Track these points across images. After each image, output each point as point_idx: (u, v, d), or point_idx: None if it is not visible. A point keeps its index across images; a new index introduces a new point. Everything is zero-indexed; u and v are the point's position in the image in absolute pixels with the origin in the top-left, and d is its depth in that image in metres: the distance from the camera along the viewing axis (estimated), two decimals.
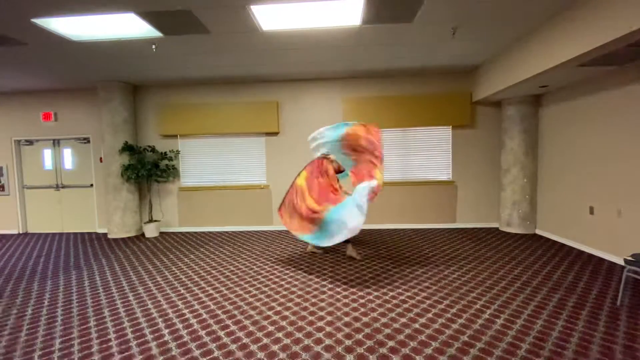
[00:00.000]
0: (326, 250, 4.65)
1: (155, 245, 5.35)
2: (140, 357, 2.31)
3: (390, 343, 2.40)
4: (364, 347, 2.36)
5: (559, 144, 4.87)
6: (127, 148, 5.80)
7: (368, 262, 4.14)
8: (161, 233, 6.19)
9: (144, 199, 6.31)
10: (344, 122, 4.15)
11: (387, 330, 2.56)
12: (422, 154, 5.98)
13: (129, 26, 3.52)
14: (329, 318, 2.78)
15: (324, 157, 4.23)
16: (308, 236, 3.85)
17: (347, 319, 2.76)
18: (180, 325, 2.72)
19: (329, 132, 4.15)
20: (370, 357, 2.24)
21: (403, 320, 2.72)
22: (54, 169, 6.52)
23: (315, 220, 3.75)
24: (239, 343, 2.45)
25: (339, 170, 4.28)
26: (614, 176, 3.97)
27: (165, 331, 2.64)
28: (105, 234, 6.21)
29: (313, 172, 4.14)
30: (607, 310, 2.81)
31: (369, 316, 2.79)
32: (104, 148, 5.88)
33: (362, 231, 5.81)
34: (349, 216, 3.48)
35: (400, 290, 3.29)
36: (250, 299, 3.19)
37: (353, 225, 3.42)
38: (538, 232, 5.42)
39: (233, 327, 2.67)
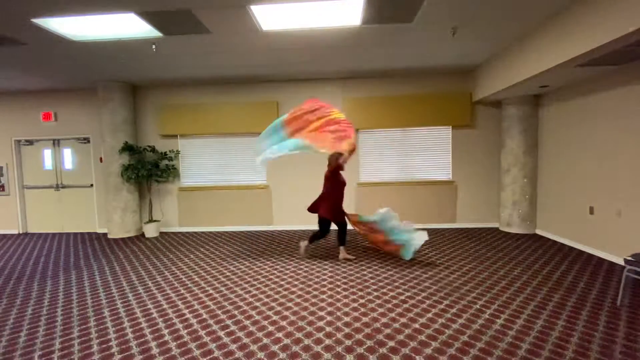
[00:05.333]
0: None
1: (155, 245, 5.35)
2: (140, 357, 2.31)
3: (390, 343, 2.40)
4: (364, 347, 2.36)
5: (559, 143, 4.87)
6: (127, 148, 5.80)
7: (368, 262, 4.13)
8: (161, 233, 6.19)
9: (144, 199, 6.31)
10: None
11: (387, 330, 2.56)
12: (422, 154, 5.98)
13: (129, 26, 3.52)
14: (329, 318, 2.78)
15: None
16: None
17: (347, 319, 2.76)
18: (180, 325, 2.72)
19: (268, 137, 4.20)
20: (370, 357, 2.24)
21: (403, 320, 2.72)
22: (54, 169, 6.52)
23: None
24: (239, 343, 2.45)
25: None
26: (614, 176, 3.97)
27: (165, 331, 2.64)
28: (105, 234, 6.21)
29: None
30: (607, 310, 2.81)
31: (369, 316, 2.79)
32: (104, 148, 5.88)
33: None
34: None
35: (400, 290, 3.29)
36: (250, 299, 3.19)
37: None
38: (538, 232, 5.42)
39: (233, 327, 2.67)
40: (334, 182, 4.13)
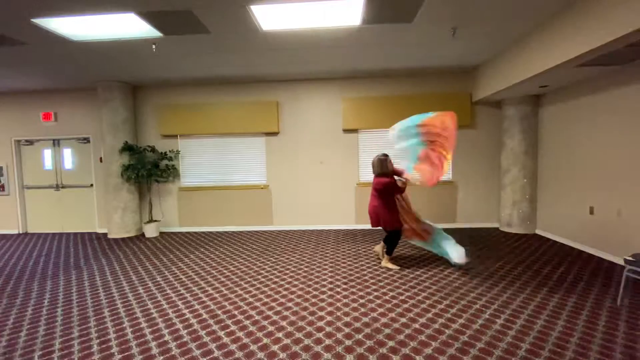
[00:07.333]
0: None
1: (155, 245, 5.35)
2: (140, 357, 2.31)
3: (390, 343, 2.40)
4: (364, 347, 2.36)
5: (559, 143, 4.87)
6: (127, 148, 5.80)
7: (368, 262, 4.13)
8: (161, 233, 6.19)
9: (144, 199, 6.31)
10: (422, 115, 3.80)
11: (387, 330, 2.56)
12: None
13: (129, 26, 3.52)
14: (329, 318, 2.78)
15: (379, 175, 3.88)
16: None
17: (347, 319, 2.76)
18: (180, 325, 2.72)
19: (405, 122, 3.87)
20: (370, 357, 2.24)
21: (403, 320, 2.72)
22: (54, 169, 6.52)
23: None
24: (239, 343, 2.45)
25: (395, 173, 3.97)
26: (614, 176, 3.97)
27: (165, 331, 2.64)
28: (105, 234, 6.21)
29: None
30: (607, 310, 2.81)
31: (369, 316, 2.79)
32: (104, 148, 5.88)
33: (363, 231, 5.82)
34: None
35: (400, 291, 3.29)
36: (250, 299, 3.19)
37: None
38: (538, 232, 5.42)
39: (233, 327, 2.67)
40: (394, 193, 3.93)
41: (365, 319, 2.74)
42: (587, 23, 3.09)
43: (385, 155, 3.91)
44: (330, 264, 4.10)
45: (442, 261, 4.12)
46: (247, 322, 2.75)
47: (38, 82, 5.64)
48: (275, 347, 2.38)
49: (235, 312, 2.93)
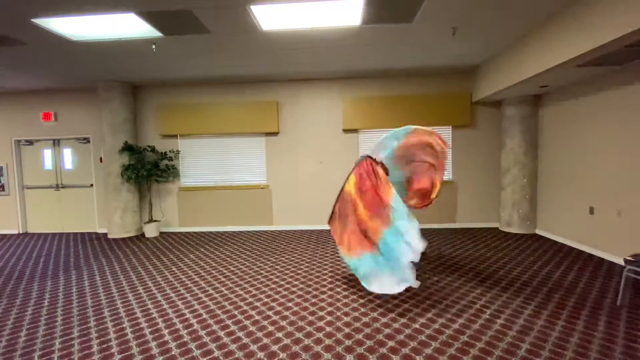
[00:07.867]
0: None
1: (155, 245, 5.35)
2: (140, 357, 2.31)
3: (390, 343, 2.40)
4: (364, 347, 2.36)
5: (559, 143, 4.87)
6: (127, 148, 5.80)
7: None
8: (161, 233, 6.19)
9: (144, 199, 6.30)
10: (404, 128, 3.45)
11: (387, 330, 2.56)
12: None
13: (129, 26, 3.52)
14: (329, 318, 2.78)
15: (370, 157, 3.47)
16: (362, 256, 3.05)
17: (347, 319, 2.76)
18: (180, 325, 2.72)
19: (389, 141, 3.57)
20: (370, 357, 2.24)
21: (403, 320, 2.72)
22: (54, 169, 6.52)
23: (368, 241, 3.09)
24: (239, 343, 2.45)
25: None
26: (614, 176, 3.96)
27: (165, 331, 2.64)
28: (105, 234, 6.21)
29: (362, 175, 3.35)
30: (607, 310, 2.81)
31: (369, 316, 2.79)
32: (104, 148, 5.88)
33: None
34: (402, 251, 2.81)
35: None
36: (250, 299, 3.19)
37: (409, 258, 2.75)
38: (538, 232, 5.42)
39: (233, 327, 2.67)
40: None
41: (365, 319, 2.74)
42: (586, 23, 3.09)
43: (369, 157, 3.78)
44: (330, 264, 4.10)
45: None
46: (247, 322, 2.75)
47: (38, 82, 5.64)
48: (275, 347, 2.38)
49: (235, 312, 2.93)
